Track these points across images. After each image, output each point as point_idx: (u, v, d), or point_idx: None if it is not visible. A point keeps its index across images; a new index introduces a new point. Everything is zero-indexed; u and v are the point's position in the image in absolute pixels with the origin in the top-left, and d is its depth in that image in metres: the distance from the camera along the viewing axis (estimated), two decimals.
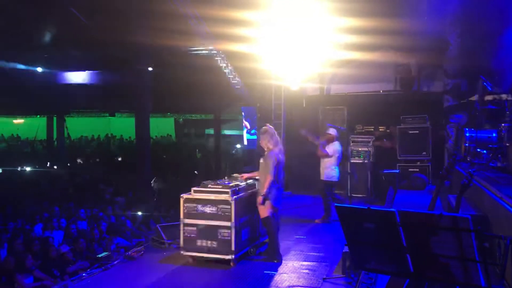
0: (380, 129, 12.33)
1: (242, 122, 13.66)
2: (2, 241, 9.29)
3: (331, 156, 8.98)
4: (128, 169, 16.63)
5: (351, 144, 11.71)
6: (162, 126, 29.99)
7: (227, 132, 22.64)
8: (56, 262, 8.54)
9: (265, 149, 6.85)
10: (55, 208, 11.97)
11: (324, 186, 9.09)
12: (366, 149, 11.63)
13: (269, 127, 6.97)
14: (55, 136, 25.87)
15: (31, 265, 8.03)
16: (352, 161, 11.63)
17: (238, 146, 21.52)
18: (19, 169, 18.62)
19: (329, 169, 9.02)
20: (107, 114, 29.50)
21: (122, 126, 29.91)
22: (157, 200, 14.61)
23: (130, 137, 28.31)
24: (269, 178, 6.63)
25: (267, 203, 6.68)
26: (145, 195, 13.92)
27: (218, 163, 20.25)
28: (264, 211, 6.71)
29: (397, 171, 10.88)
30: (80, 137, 31.19)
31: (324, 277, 6.05)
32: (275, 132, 6.98)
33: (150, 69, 14.52)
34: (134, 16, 12.44)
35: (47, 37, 16.41)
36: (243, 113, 14.13)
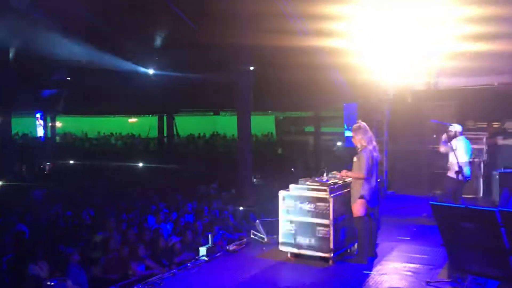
0: (494, 125, 11.44)
1: (343, 119, 13.41)
2: (119, 231, 10.10)
3: (452, 151, 8.49)
4: (232, 166, 17.18)
5: None
6: (263, 124, 30.48)
7: (327, 129, 22.41)
8: (165, 252, 9.09)
9: (358, 146, 6.61)
10: (159, 204, 12.72)
11: (446, 182, 8.62)
12: (478, 146, 10.82)
13: (361, 123, 6.72)
14: (165, 133, 27.63)
15: (143, 254, 8.62)
16: None
17: (339, 143, 21.21)
18: (133, 164, 20.10)
19: (452, 166, 8.54)
20: (212, 113, 30.79)
21: (227, 124, 30.96)
22: (258, 195, 14.90)
23: (233, 134, 29.23)
24: (359, 176, 6.43)
25: (362, 202, 6.47)
26: (246, 191, 14.31)
27: (317, 161, 20.13)
28: (358, 210, 6.50)
29: None
30: (188, 135, 32.88)
31: (428, 280, 5.75)
32: (369, 129, 6.71)
33: (251, 68, 14.88)
34: (236, 18, 12.84)
35: (158, 41, 17.62)
36: (344, 110, 13.89)
